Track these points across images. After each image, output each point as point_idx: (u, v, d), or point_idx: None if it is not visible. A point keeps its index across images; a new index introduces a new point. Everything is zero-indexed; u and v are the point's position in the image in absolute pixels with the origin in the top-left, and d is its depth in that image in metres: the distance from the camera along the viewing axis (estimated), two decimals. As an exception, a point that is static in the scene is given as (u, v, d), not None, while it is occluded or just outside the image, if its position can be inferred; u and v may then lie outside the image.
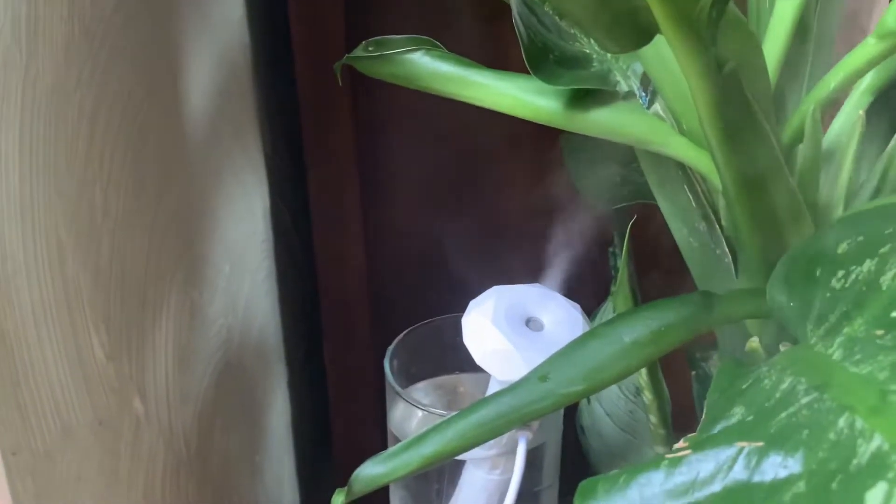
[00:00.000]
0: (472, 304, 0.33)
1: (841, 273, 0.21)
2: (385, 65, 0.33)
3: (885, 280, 0.19)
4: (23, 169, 0.31)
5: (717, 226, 0.30)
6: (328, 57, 0.49)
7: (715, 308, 0.26)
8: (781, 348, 0.26)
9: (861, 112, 0.27)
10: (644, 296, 0.37)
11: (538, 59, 0.28)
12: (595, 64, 0.30)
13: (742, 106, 0.24)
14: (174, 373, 0.46)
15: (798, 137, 0.27)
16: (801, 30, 0.28)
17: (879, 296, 0.19)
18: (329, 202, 0.62)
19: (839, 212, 0.28)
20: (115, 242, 0.39)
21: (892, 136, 0.28)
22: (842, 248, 0.22)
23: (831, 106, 0.30)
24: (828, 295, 0.21)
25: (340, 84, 0.37)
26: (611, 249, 0.38)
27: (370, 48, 0.34)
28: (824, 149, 0.28)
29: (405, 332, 0.39)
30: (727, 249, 0.30)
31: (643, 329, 0.25)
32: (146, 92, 0.41)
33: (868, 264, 0.20)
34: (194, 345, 0.50)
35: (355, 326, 0.67)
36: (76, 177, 0.35)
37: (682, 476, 0.17)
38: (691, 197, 0.30)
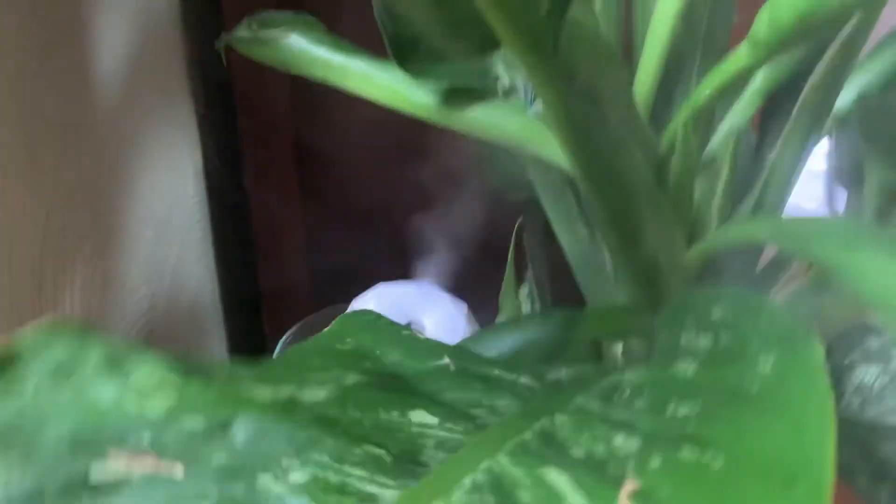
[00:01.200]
0: (353, 303, 0.32)
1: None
2: (263, 48, 0.31)
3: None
4: None
5: (598, 230, 0.29)
6: (259, 5, 0.47)
7: (577, 328, 0.26)
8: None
9: (733, 124, 0.26)
10: (563, 289, 0.36)
11: (406, 51, 0.27)
12: (476, 56, 0.29)
13: (597, 121, 0.23)
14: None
15: (672, 148, 0.26)
16: (689, 33, 0.27)
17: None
18: (263, 160, 0.61)
19: (713, 226, 0.26)
20: (1, 219, 0.38)
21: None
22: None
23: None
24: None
25: (225, 65, 0.36)
26: (513, 237, 0.37)
27: (253, 26, 0.32)
28: (707, 157, 0.27)
29: (298, 324, 0.39)
30: (607, 255, 0.29)
31: (495, 351, 0.25)
32: (42, 45, 0.39)
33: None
34: (108, 317, 0.49)
35: (294, 288, 0.67)
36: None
37: None
38: (574, 200, 0.29)
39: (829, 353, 0.31)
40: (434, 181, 0.56)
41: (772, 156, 0.26)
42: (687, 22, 0.26)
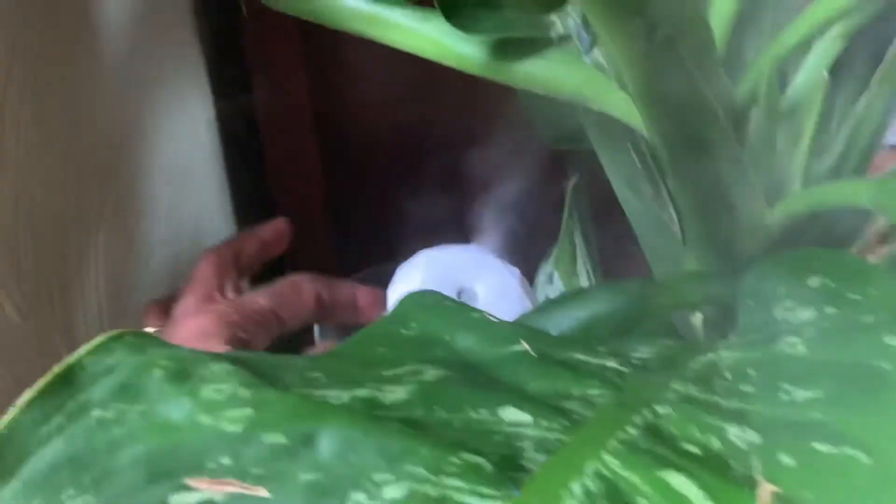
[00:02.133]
0: (398, 271, 0.31)
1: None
2: (294, 1, 0.29)
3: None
4: None
5: (665, 189, 0.27)
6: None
7: (651, 300, 0.24)
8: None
9: (824, 73, 0.24)
10: (604, 253, 0.34)
11: (453, 1, 0.25)
12: (529, 2, 0.27)
13: (676, 75, 0.21)
14: (109, 314, 0.45)
15: (753, 99, 0.24)
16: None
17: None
18: (277, 106, 0.59)
19: (797, 184, 0.25)
20: (19, 187, 0.36)
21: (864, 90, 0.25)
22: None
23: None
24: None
25: (244, 14, 0.33)
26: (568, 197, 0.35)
27: (280, -25, 0.30)
28: (788, 108, 0.25)
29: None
30: (675, 216, 0.27)
31: (565, 326, 0.23)
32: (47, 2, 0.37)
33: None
34: (133, 280, 0.48)
35: (314, 234, 0.65)
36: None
37: None
38: (636, 156, 0.27)
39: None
40: (468, 136, 0.54)
41: (858, 107, 0.24)
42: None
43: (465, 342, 0.19)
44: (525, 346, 0.19)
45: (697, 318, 0.26)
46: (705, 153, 0.23)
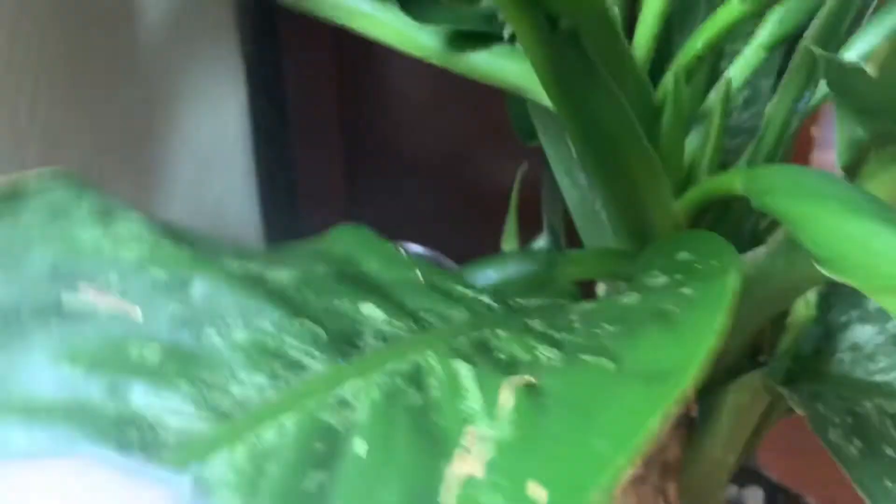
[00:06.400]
0: None
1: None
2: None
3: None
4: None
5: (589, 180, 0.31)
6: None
7: (557, 268, 0.28)
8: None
9: (727, 76, 0.27)
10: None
11: (408, -6, 0.29)
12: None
13: (582, 70, 0.25)
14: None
15: (665, 102, 0.28)
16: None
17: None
18: (306, 103, 0.64)
19: (703, 177, 0.28)
20: (47, 156, 0.41)
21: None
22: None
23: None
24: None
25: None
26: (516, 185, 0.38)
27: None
28: (704, 111, 0.29)
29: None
30: (603, 205, 0.31)
31: (483, 281, 0.27)
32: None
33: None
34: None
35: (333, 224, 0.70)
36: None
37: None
38: (571, 146, 0.31)
39: (828, 309, 0.32)
40: (486, 144, 0.58)
41: (767, 110, 0.28)
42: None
43: (372, 264, 0.23)
44: (418, 273, 0.23)
45: (601, 287, 0.30)
46: (616, 147, 0.27)
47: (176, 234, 0.20)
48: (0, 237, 0.18)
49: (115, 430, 0.17)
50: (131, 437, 0.17)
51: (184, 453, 0.17)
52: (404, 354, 0.18)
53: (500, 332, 0.20)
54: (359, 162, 0.67)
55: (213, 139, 0.59)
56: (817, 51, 0.21)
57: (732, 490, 0.49)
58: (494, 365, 0.18)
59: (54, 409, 0.17)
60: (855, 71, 0.20)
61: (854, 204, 0.20)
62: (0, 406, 0.17)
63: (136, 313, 0.18)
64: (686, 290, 0.20)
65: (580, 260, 0.29)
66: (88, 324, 0.17)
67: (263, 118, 0.63)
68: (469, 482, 0.15)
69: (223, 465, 0.17)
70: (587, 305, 0.23)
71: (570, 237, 0.38)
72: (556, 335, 0.20)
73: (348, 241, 0.24)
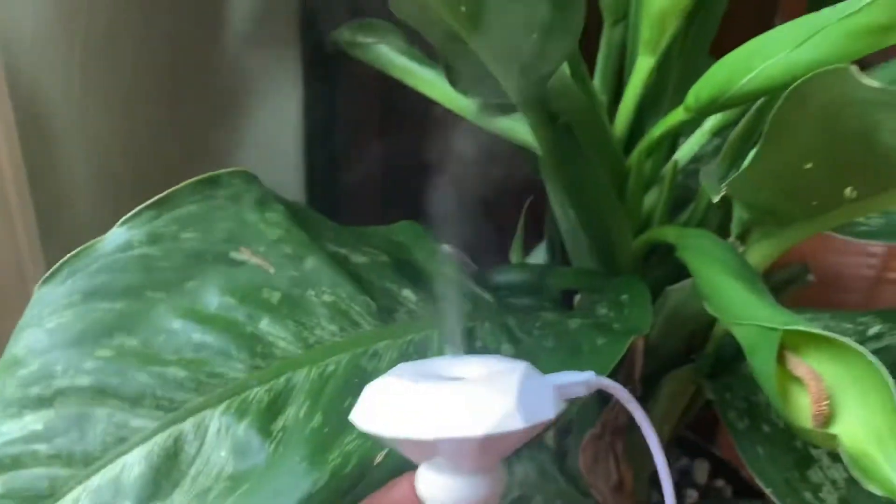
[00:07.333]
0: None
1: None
2: (358, 49, 0.45)
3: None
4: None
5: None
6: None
7: (546, 280, 0.39)
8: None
9: (675, 159, 0.38)
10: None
11: (454, 75, 0.40)
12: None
13: (572, 149, 0.36)
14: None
15: (630, 170, 0.39)
16: (660, 85, 0.39)
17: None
18: (354, 108, 0.74)
19: (655, 225, 0.40)
20: (126, 129, 0.48)
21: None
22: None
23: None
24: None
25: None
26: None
27: (354, 30, 0.46)
28: (661, 177, 0.40)
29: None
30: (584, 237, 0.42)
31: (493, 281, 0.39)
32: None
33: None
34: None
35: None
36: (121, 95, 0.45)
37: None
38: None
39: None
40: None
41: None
42: (658, 76, 0.39)
43: (419, 254, 0.35)
44: (448, 268, 0.35)
45: (577, 297, 0.41)
46: (592, 202, 0.38)
47: (302, 217, 0.32)
48: (202, 209, 0.30)
49: (249, 342, 0.29)
50: (257, 349, 0.29)
51: (283, 366, 0.29)
52: (421, 329, 0.31)
53: (486, 324, 0.32)
54: (395, 164, 0.76)
55: (271, 134, 0.68)
56: (703, 177, 0.32)
57: (685, 461, 0.58)
58: (472, 351, 0.30)
59: (217, 321, 0.29)
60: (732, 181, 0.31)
61: (730, 266, 0.31)
62: (191, 312, 0.29)
63: (271, 271, 0.30)
64: (616, 326, 0.32)
65: (564, 275, 0.40)
66: (242, 272, 0.29)
67: (315, 120, 0.72)
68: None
69: (303, 378, 0.29)
70: (551, 316, 0.34)
71: (563, 252, 0.50)
72: (519, 334, 0.32)
73: (407, 233, 0.36)
